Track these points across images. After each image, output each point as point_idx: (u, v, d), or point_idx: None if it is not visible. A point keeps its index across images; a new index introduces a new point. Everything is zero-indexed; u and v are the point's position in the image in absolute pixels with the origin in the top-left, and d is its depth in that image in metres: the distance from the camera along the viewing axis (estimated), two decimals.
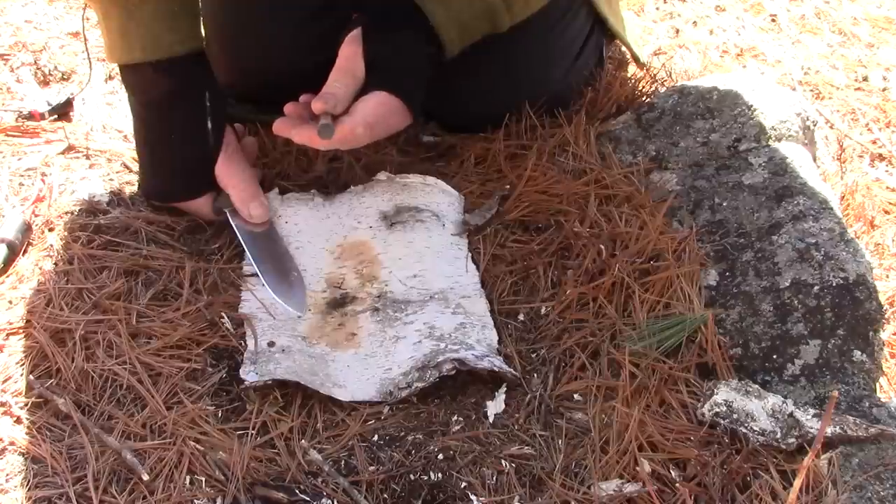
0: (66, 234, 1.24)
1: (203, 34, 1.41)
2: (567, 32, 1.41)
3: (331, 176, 1.34)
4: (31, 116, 1.42)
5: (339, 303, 1.18)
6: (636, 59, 1.54)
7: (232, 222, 1.24)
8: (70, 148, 1.38)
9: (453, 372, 1.07)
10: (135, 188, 1.32)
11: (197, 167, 1.24)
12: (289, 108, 1.25)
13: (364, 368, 1.11)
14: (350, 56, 1.20)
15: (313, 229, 1.26)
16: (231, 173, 1.24)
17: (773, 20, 1.81)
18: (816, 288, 1.15)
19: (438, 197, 1.30)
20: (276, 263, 1.21)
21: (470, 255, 1.24)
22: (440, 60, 1.23)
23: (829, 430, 1.02)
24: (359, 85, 1.20)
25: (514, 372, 1.10)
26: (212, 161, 1.24)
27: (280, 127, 1.22)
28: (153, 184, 1.28)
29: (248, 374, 1.08)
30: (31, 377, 1.07)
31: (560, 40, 1.41)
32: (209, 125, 1.24)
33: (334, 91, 1.18)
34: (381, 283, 1.20)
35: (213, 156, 1.24)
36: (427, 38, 1.21)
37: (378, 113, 1.19)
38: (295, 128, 1.19)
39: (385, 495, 0.99)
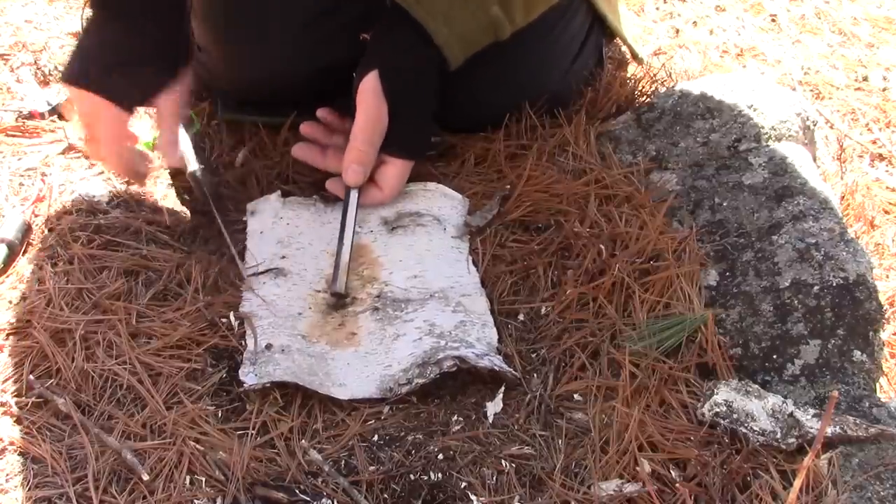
0: (66, 234, 1.24)
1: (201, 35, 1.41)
2: (566, 32, 1.41)
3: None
4: (31, 116, 1.41)
5: (340, 303, 1.18)
6: (635, 56, 1.54)
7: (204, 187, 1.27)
8: (70, 148, 1.38)
9: (454, 369, 1.07)
10: (135, 188, 1.32)
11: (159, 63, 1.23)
12: (305, 129, 1.29)
13: (364, 366, 1.11)
14: (377, 111, 1.22)
15: (315, 232, 1.26)
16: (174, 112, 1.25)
17: (773, 20, 1.81)
18: (816, 288, 1.15)
19: (440, 201, 1.30)
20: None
21: (471, 257, 1.24)
22: (443, 69, 1.24)
23: (829, 430, 1.02)
24: (382, 137, 1.24)
25: (513, 372, 1.10)
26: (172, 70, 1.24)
27: (304, 153, 1.29)
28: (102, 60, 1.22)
29: (247, 377, 1.08)
30: (31, 377, 1.07)
31: (560, 40, 1.41)
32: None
33: (363, 160, 1.23)
34: (381, 283, 1.20)
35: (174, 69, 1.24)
36: (431, 42, 1.22)
37: (403, 180, 1.29)
38: (320, 158, 1.28)
39: (385, 495, 0.99)
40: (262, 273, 1.20)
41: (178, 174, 1.33)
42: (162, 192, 1.33)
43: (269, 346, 1.11)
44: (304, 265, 1.22)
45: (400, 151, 1.27)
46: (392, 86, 1.22)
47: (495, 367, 1.09)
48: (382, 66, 1.22)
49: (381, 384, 1.09)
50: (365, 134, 1.22)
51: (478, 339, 1.13)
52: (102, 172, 1.34)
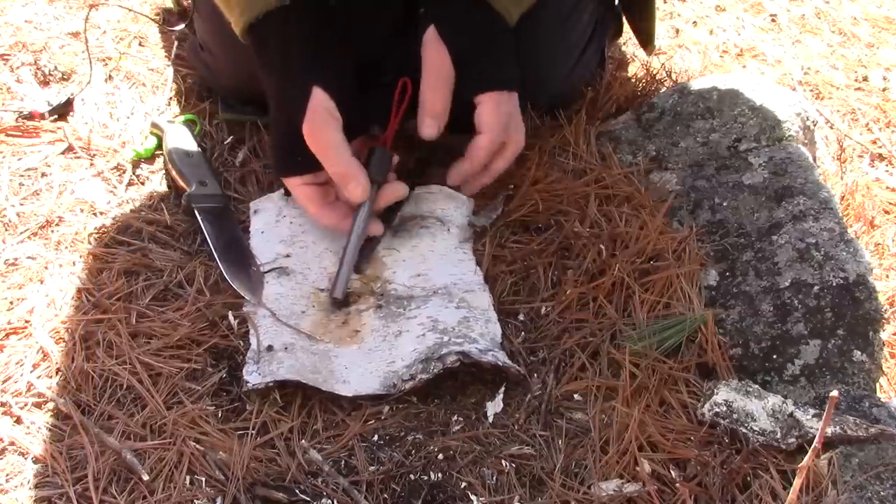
0: (66, 234, 1.24)
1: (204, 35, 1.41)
2: (574, 30, 1.41)
3: None
4: (31, 116, 1.41)
5: (343, 301, 1.18)
6: (646, 44, 1.52)
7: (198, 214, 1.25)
8: (70, 148, 1.38)
9: (457, 364, 1.07)
10: (134, 188, 1.32)
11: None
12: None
13: (368, 363, 1.11)
14: (440, 56, 1.20)
15: (318, 230, 1.26)
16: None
17: (773, 20, 1.81)
18: (816, 288, 1.15)
19: (443, 203, 1.30)
20: (237, 256, 1.22)
21: (474, 258, 1.24)
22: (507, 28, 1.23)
23: (829, 430, 1.02)
24: (451, 85, 1.21)
25: (517, 367, 1.10)
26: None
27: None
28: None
29: (251, 376, 1.08)
30: (31, 377, 1.07)
31: (568, 37, 1.40)
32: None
33: (435, 111, 1.19)
34: (384, 281, 1.20)
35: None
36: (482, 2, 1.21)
37: (501, 114, 1.22)
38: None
39: (385, 495, 0.99)
40: (266, 272, 1.20)
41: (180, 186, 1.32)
42: (162, 192, 1.33)
43: (271, 346, 1.11)
44: (307, 264, 1.22)
45: (481, 85, 1.22)
46: (449, 32, 1.19)
47: (499, 363, 1.09)
48: (437, 20, 1.20)
49: (384, 380, 1.09)
50: (431, 80, 1.20)
51: (481, 334, 1.13)
52: (102, 172, 1.34)
